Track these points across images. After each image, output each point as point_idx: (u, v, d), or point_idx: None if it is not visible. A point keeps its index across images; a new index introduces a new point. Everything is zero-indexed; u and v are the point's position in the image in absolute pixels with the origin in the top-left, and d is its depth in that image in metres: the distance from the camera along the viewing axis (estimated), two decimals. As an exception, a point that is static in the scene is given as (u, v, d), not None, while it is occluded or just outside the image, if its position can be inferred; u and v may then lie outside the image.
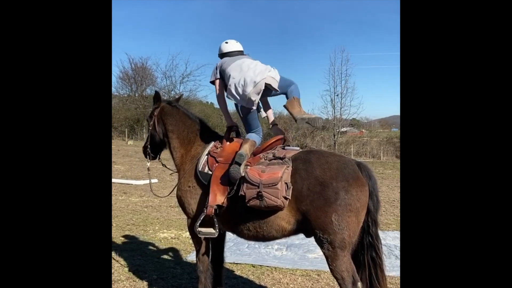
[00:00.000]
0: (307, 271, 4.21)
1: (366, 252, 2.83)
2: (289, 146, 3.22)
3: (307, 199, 2.69)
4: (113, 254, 4.62)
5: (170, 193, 3.81)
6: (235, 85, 3.06)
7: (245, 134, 3.31)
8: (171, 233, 5.76)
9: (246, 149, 3.01)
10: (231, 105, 3.80)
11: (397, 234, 5.55)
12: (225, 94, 3.26)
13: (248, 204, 2.75)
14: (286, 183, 2.70)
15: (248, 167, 2.90)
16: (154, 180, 10.43)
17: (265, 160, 2.96)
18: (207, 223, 3.00)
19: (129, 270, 4.19)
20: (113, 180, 10.12)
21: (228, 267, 4.14)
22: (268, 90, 3.06)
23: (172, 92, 33.45)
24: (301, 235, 2.94)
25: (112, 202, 7.45)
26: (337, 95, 29.23)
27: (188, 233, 3.80)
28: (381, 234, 2.93)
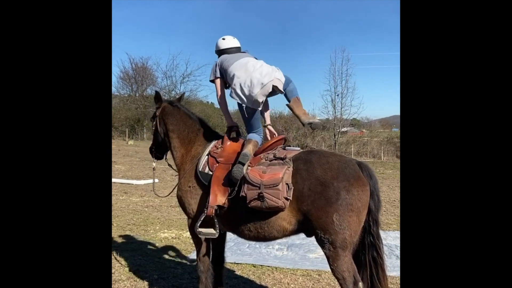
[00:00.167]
0: (308, 271, 4.21)
1: (367, 252, 2.82)
2: (289, 146, 3.22)
3: (308, 199, 2.68)
4: (114, 254, 4.62)
5: (170, 193, 3.81)
6: (240, 86, 3.02)
7: (246, 134, 3.31)
8: (172, 233, 5.76)
9: (250, 149, 2.99)
10: (231, 105, 3.80)
11: (398, 234, 5.54)
12: (227, 93, 3.24)
13: (249, 205, 2.75)
14: (287, 183, 2.69)
15: (249, 167, 2.89)
16: (155, 180, 10.41)
17: (265, 160, 2.95)
18: (207, 223, 2.99)
19: (130, 270, 4.18)
20: (114, 180, 10.11)
21: (228, 267, 4.14)
22: (272, 91, 3.05)
23: (173, 92, 33.49)
24: (302, 235, 2.93)
25: (113, 202, 7.46)
26: (338, 95, 29.24)
27: (188, 233, 3.79)
28: (382, 234, 2.92)
